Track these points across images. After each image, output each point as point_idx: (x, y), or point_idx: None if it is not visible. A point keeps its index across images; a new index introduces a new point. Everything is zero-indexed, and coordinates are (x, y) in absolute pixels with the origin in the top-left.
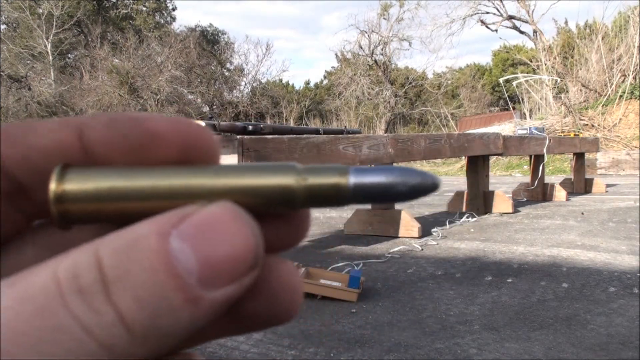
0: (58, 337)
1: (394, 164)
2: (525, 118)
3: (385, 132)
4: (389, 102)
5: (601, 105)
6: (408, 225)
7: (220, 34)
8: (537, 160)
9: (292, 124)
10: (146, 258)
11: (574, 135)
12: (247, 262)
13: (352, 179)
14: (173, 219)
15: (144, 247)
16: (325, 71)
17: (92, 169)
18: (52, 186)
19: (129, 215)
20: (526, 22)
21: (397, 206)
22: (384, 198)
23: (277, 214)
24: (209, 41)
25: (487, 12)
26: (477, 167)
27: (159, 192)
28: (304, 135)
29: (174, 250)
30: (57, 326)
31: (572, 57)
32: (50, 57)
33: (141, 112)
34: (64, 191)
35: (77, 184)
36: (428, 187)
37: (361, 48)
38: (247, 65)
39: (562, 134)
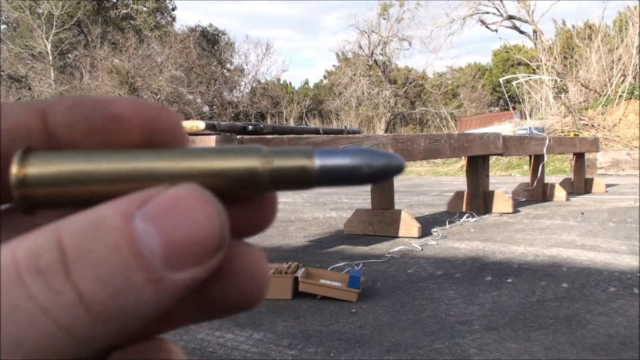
0: (14, 318)
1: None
2: (525, 118)
3: (385, 132)
4: (389, 102)
5: (601, 105)
6: (408, 225)
7: (220, 34)
8: (537, 160)
9: (292, 124)
10: (109, 237)
11: (574, 135)
12: (212, 243)
13: (318, 162)
14: (136, 200)
15: (108, 226)
16: (326, 70)
17: (54, 152)
18: (14, 170)
19: (92, 199)
20: (526, 22)
21: (397, 206)
22: (349, 181)
23: (243, 197)
24: (209, 41)
25: (487, 12)
26: (477, 167)
27: (123, 175)
28: (304, 135)
29: (138, 231)
30: (13, 306)
31: (572, 57)
32: (50, 57)
33: (107, 95)
34: (26, 175)
35: (40, 167)
36: (393, 169)
37: (361, 48)
38: (247, 65)
39: (562, 134)
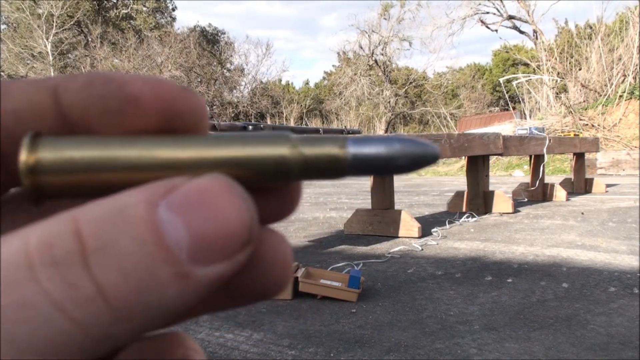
0: (24, 315)
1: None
2: (525, 118)
3: (386, 132)
4: (389, 102)
5: (601, 105)
6: (408, 225)
7: (220, 34)
8: (537, 160)
9: (292, 124)
10: (133, 227)
11: (574, 135)
12: (242, 238)
13: (351, 150)
14: (160, 189)
15: (131, 215)
16: (325, 72)
17: (66, 137)
18: (23, 156)
19: (108, 189)
20: (526, 22)
21: (397, 206)
22: (383, 171)
23: (270, 186)
24: (209, 41)
25: (487, 12)
26: (477, 167)
27: (142, 163)
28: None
29: (163, 222)
30: (23, 302)
31: (572, 57)
32: (50, 57)
33: (120, 73)
34: (37, 162)
35: (52, 153)
36: (428, 158)
37: (361, 48)
38: (247, 65)
39: (562, 134)
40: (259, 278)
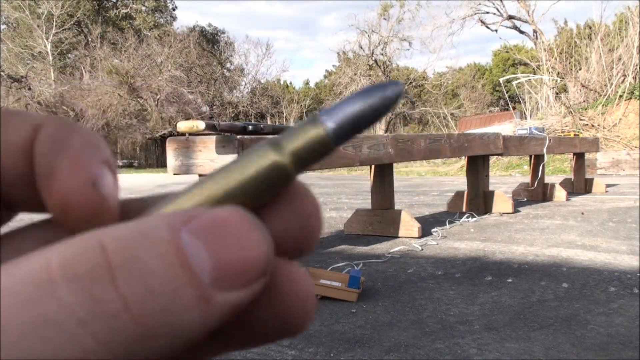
0: (45, 333)
1: (393, 163)
2: (525, 118)
3: (385, 132)
4: None
5: (601, 105)
6: (408, 225)
7: (219, 33)
8: (537, 160)
9: (292, 123)
10: (158, 247)
11: (574, 135)
12: (259, 267)
13: (329, 124)
14: (181, 216)
15: (155, 236)
16: (326, 70)
17: None
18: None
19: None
20: (526, 22)
21: (397, 206)
22: (365, 126)
23: (276, 194)
24: (209, 41)
25: (487, 12)
26: (477, 167)
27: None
28: None
29: (187, 244)
30: (44, 320)
31: (572, 57)
32: (50, 57)
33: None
34: None
35: None
36: (393, 99)
37: (361, 48)
38: (247, 65)
39: (562, 134)
40: (278, 314)
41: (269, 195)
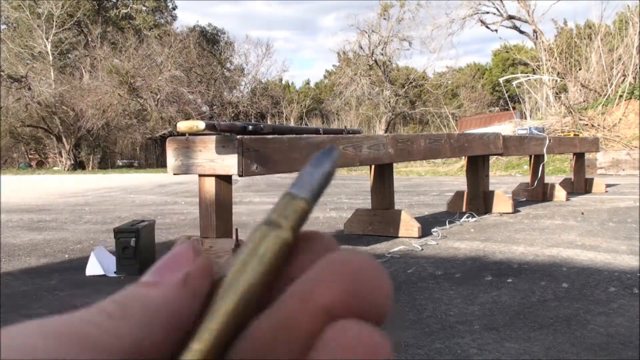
0: None
1: (394, 163)
2: (525, 118)
3: (385, 132)
4: (389, 101)
5: (601, 105)
6: (408, 225)
7: (219, 34)
8: (537, 160)
9: (292, 124)
10: None
11: (574, 135)
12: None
13: (306, 196)
14: None
15: None
16: (326, 70)
17: None
18: None
19: None
20: (526, 22)
21: (397, 206)
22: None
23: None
24: (209, 41)
25: (487, 12)
26: (477, 167)
27: None
28: (304, 135)
29: None
30: None
31: (572, 57)
32: (50, 57)
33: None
34: None
35: None
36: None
37: (361, 48)
38: (247, 65)
39: (562, 134)
40: None
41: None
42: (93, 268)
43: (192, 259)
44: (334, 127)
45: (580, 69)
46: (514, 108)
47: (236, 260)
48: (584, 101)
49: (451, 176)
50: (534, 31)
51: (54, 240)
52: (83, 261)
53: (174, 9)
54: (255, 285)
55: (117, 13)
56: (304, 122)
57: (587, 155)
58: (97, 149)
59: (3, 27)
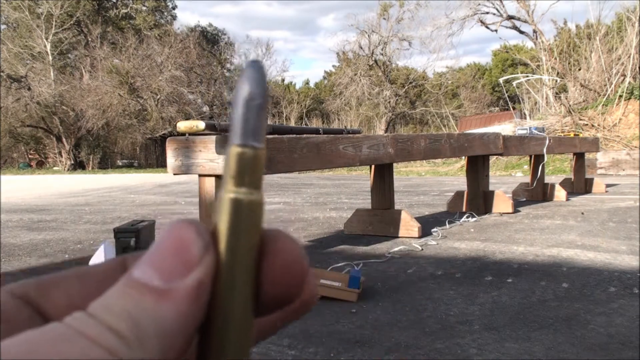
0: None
1: (392, 162)
2: (525, 118)
3: (386, 132)
4: (389, 102)
5: (601, 105)
6: (408, 225)
7: (220, 34)
8: (537, 160)
9: (292, 123)
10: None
11: (574, 135)
12: (195, 253)
13: (235, 140)
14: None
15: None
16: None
17: None
18: None
19: None
20: (526, 22)
21: (397, 206)
22: (259, 113)
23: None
24: (209, 41)
25: (487, 12)
26: (477, 167)
27: None
28: (304, 135)
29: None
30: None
31: (572, 57)
32: (50, 57)
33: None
34: None
35: None
36: (260, 70)
37: (361, 48)
38: None
39: (562, 134)
40: (272, 282)
41: (258, 224)
42: (98, 259)
43: (197, 250)
44: (334, 127)
45: (580, 69)
46: (513, 108)
47: (224, 246)
48: (583, 101)
49: (451, 176)
50: (534, 31)
51: (54, 240)
52: (83, 261)
53: (173, 8)
54: (252, 271)
55: (117, 13)
56: (304, 122)
57: (587, 155)
58: (97, 149)
59: (3, 27)
